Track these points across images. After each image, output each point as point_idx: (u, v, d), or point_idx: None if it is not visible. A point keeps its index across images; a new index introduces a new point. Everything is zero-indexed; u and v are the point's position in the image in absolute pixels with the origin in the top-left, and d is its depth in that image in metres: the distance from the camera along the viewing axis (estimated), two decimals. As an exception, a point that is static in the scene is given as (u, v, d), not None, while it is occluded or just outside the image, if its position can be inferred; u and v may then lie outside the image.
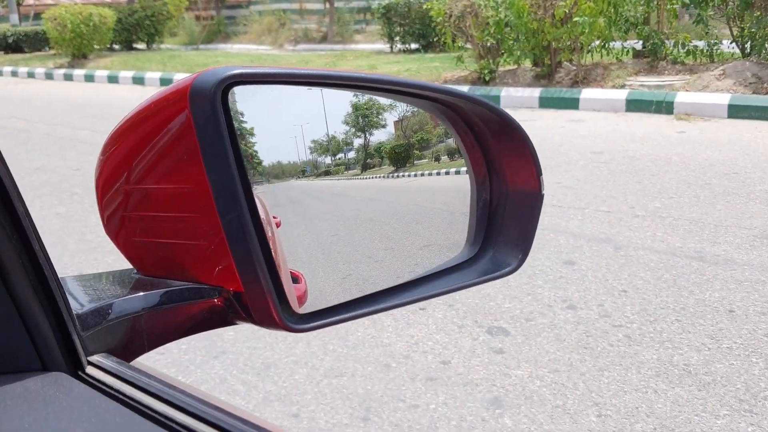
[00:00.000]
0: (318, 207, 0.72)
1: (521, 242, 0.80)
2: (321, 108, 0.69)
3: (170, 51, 20.04)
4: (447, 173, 0.82)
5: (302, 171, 0.68)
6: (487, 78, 9.63)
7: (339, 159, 0.71)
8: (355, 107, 0.72)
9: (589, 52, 9.14)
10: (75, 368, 0.58)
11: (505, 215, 0.81)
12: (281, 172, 0.66)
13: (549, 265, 3.77)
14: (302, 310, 0.66)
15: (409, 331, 3.12)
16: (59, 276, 0.58)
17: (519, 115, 8.53)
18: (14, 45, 22.10)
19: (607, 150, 6.40)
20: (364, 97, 0.73)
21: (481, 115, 0.78)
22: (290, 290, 0.65)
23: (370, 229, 0.78)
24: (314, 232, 0.72)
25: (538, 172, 0.77)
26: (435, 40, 13.99)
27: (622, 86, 8.59)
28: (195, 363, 2.93)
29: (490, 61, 9.69)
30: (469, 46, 10.02)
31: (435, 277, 0.79)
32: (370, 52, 15.32)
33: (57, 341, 0.57)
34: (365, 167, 0.73)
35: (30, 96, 13.44)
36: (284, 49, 20.40)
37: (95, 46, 17.44)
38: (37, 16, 25.70)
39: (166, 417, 0.51)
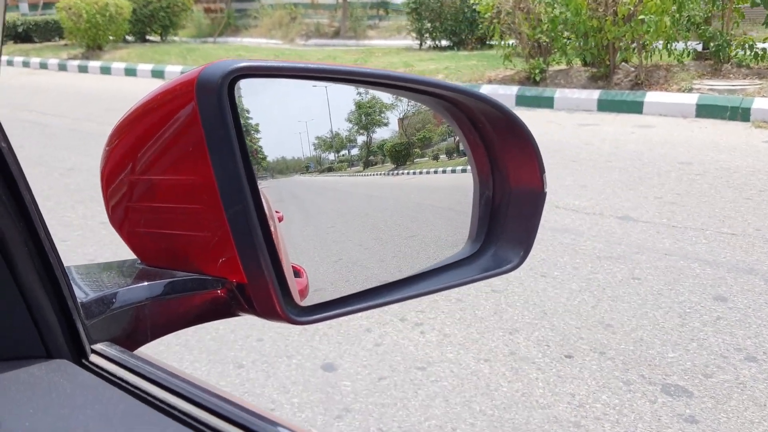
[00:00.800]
0: (320, 202, 0.73)
1: (523, 240, 0.80)
2: (325, 105, 0.69)
3: (186, 44, 19.48)
4: (445, 171, 0.82)
5: (306, 167, 0.68)
6: (537, 78, 9.09)
7: (342, 156, 0.72)
8: (359, 105, 0.73)
9: (648, 52, 8.59)
10: (78, 356, 0.58)
11: (508, 213, 0.81)
12: (285, 168, 0.66)
13: (699, 302, 3.24)
14: (304, 303, 0.66)
15: (564, 387, 2.59)
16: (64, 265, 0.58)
17: (577, 118, 8.08)
18: (24, 34, 21.50)
19: (696, 161, 5.86)
20: (367, 96, 0.74)
21: (486, 112, 0.78)
22: (292, 283, 0.65)
23: (371, 224, 0.79)
24: (316, 227, 0.73)
25: (541, 170, 0.78)
26: (466, 37, 13.46)
27: (690, 90, 8.05)
28: (316, 425, 2.40)
29: (541, 60, 9.15)
30: (510, 42, 9.47)
31: (436, 273, 0.79)
32: (398, 49, 14.75)
33: (61, 329, 0.57)
34: (367, 164, 0.74)
35: (45, 88, 12.87)
36: (295, 44, 19.95)
37: (110, 38, 16.85)
38: (47, 5, 25.13)
39: (169, 405, 0.50)
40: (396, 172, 0.76)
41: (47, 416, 0.49)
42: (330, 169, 0.71)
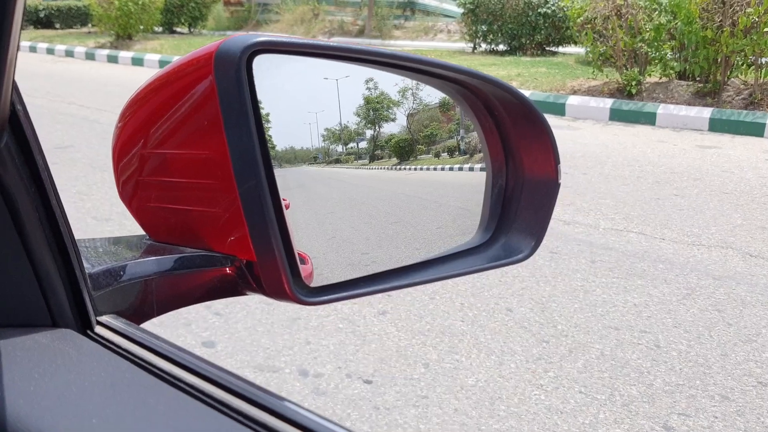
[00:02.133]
0: (327, 192, 0.73)
1: (535, 230, 0.79)
2: (335, 98, 0.69)
3: (217, 36, 18.70)
4: (452, 169, 0.81)
5: (314, 157, 0.69)
6: (633, 90, 8.30)
7: (350, 148, 0.72)
8: (367, 100, 0.73)
9: (761, 67, 7.81)
10: (84, 327, 0.57)
11: (521, 202, 0.80)
12: (294, 158, 0.67)
13: None
14: (312, 285, 0.66)
15: None
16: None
17: (688, 138, 7.18)
18: (45, 20, 20.66)
19: None
20: (376, 91, 0.73)
21: (502, 98, 0.77)
22: (301, 267, 0.64)
23: (378, 215, 0.78)
24: (322, 216, 0.72)
25: (557, 161, 0.76)
26: (527, 42, 12.66)
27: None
28: None
29: (637, 71, 8.36)
30: (584, 50, 8.67)
31: (445, 261, 0.78)
32: (452, 51, 13.94)
33: (68, 298, 0.56)
34: (373, 158, 0.74)
35: (77, 77, 12.03)
36: (318, 41, 19.16)
37: (140, 27, 16.02)
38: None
39: (174, 376, 0.50)
40: (399, 167, 0.76)
41: (52, 381, 0.49)
42: (338, 161, 0.70)
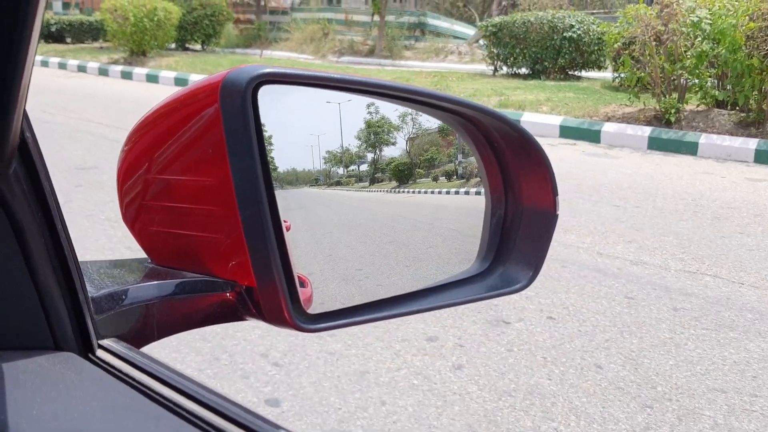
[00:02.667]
0: (327, 215, 0.73)
1: (533, 260, 0.79)
2: (337, 121, 0.70)
3: (230, 54, 18.54)
4: (448, 192, 0.82)
5: (315, 179, 0.69)
6: (672, 118, 8.02)
7: (351, 171, 0.73)
8: (368, 124, 0.74)
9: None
10: (86, 350, 0.58)
11: (519, 233, 0.80)
12: (295, 179, 0.67)
13: None
14: (310, 311, 0.66)
15: None
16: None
17: (735, 170, 6.79)
18: (57, 34, 20.48)
19: None
20: (377, 116, 0.74)
21: (502, 131, 0.78)
22: (300, 290, 0.65)
23: (377, 238, 0.78)
24: (322, 239, 0.73)
25: (555, 193, 0.77)
26: (550, 65, 12.43)
27: None
28: None
29: (675, 98, 8.09)
30: (612, 75, 8.41)
31: (443, 289, 0.79)
32: (473, 74, 13.70)
33: (71, 322, 0.57)
34: (373, 181, 0.75)
35: (90, 93, 11.79)
36: (328, 60, 19.12)
37: (154, 44, 15.81)
38: (80, 7, 24.23)
39: (173, 402, 0.50)
40: (398, 190, 0.76)
41: (54, 406, 0.49)
42: (338, 183, 0.71)
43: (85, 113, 9.41)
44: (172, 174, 0.66)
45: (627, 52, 8.17)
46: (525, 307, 3.48)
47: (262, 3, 24.76)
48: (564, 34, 12.04)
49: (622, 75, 10.95)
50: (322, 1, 27.67)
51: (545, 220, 0.78)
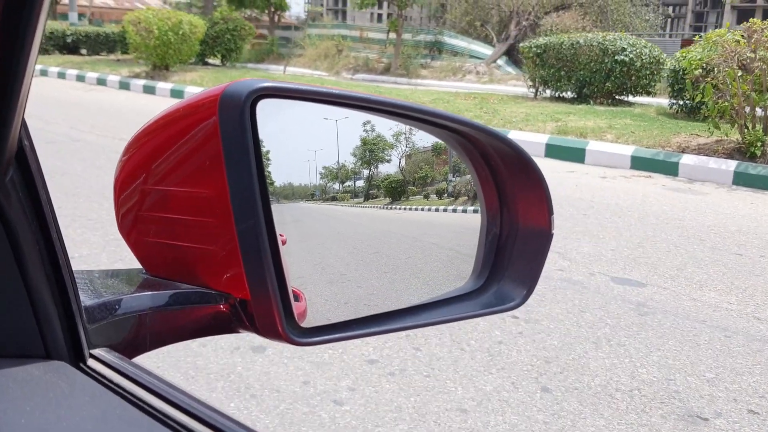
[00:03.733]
0: (322, 229, 0.73)
1: (527, 279, 0.80)
2: (334, 137, 0.70)
3: (252, 70, 18.00)
4: (438, 210, 0.82)
5: (311, 194, 0.70)
6: (757, 152, 7.41)
7: (347, 186, 0.73)
8: (364, 141, 0.74)
9: None
10: (77, 359, 0.57)
11: (514, 251, 0.80)
12: (291, 194, 0.68)
13: None
14: (304, 325, 0.66)
15: None
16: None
17: None
18: (72, 45, 19.93)
19: None
20: (373, 133, 0.75)
21: (499, 149, 0.78)
22: (294, 304, 0.65)
23: (373, 253, 0.79)
24: (317, 253, 0.73)
25: (550, 212, 0.78)
26: (597, 90, 11.84)
27: None
28: None
29: (760, 130, 7.48)
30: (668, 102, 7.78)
31: (437, 306, 0.79)
32: (515, 96, 13.11)
33: (62, 331, 0.56)
34: (368, 197, 0.75)
35: (116, 108, 11.18)
36: (342, 77, 18.63)
37: (177, 58, 15.24)
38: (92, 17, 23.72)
39: (164, 414, 0.50)
40: (391, 206, 0.77)
41: (44, 415, 0.49)
42: (334, 199, 0.72)
43: (115, 130, 8.80)
44: (168, 185, 0.66)
45: (709, 79, 7.56)
46: (714, 396, 2.83)
47: (276, 19, 24.33)
48: (615, 57, 11.47)
49: (680, 102, 10.38)
50: (337, 17, 27.23)
51: (540, 238, 0.78)
